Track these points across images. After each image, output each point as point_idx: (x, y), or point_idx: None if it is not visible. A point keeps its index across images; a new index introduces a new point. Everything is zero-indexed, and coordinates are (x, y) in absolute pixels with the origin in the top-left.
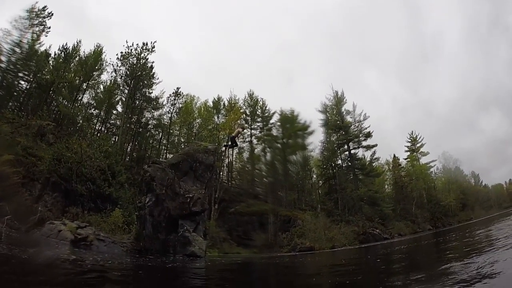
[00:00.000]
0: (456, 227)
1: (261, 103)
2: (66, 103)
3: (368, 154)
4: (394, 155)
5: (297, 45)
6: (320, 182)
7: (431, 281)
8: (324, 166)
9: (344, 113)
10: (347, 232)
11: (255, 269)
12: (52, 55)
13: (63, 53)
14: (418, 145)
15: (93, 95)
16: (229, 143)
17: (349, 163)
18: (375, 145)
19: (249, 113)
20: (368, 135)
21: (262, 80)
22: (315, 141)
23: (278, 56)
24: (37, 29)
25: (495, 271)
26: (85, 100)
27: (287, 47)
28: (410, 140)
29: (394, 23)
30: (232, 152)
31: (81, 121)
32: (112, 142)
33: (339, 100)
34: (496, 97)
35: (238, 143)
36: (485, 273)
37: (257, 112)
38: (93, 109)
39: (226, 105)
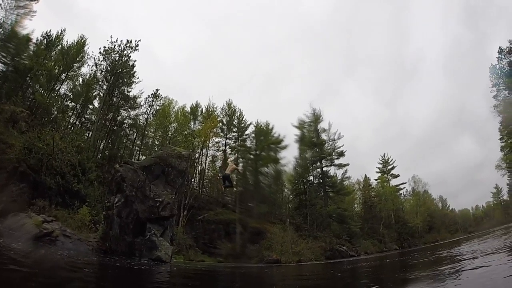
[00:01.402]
0: (422, 248)
1: (238, 113)
2: (42, 91)
3: (339, 173)
4: (365, 175)
5: (280, 53)
6: (291, 196)
7: None
8: (296, 181)
9: (320, 131)
10: (314, 247)
11: (220, 277)
12: (34, 40)
13: (45, 40)
14: (389, 167)
15: (71, 87)
16: (225, 183)
17: (321, 180)
18: (347, 164)
19: (225, 122)
20: (341, 154)
21: (242, 88)
22: (289, 156)
23: (260, 63)
24: (22, 11)
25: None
26: (62, 91)
27: (269, 54)
28: (382, 162)
29: (377, 42)
30: (206, 161)
31: (55, 112)
32: (86, 138)
33: (316, 118)
34: (469, 124)
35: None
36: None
37: (234, 122)
38: (70, 101)
39: (203, 112)
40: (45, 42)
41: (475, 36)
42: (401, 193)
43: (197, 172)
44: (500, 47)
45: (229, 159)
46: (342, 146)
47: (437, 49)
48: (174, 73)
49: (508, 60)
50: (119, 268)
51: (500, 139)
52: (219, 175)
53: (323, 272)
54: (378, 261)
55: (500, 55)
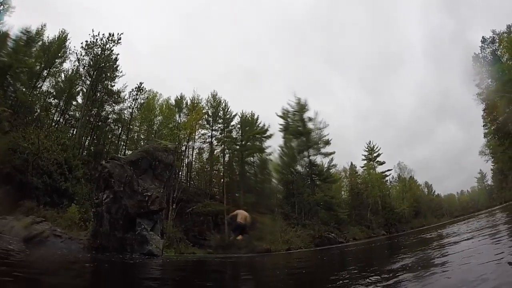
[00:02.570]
0: (409, 233)
1: (223, 104)
2: (24, 89)
3: (326, 161)
4: (352, 163)
5: (262, 45)
6: (279, 186)
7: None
8: (283, 171)
9: (306, 120)
10: (303, 235)
11: (211, 267)
12: (13, 37)
13: (25, 36)
14: (375, 154)
15: (54, 83)
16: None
17: (308, 169)
18: (333, 153)
19: (211, 114)
20: (327, 142)
21: (226, 78)
22: (274, 145)
23: (243, 54)
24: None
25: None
26: (44, 88)
27: (252, 45)
28: (367, 150)
29: (360, 31)
30: (192, 153)
31: (39, 110)
32: (70, 135)
33: (301, 107)
34: (452, 110)
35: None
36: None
37: (219, 114)
38: (53, 98)
39: (188, 104)
40: (24, 38)
41: (457, 23)
42: (387, 180)
43: (184, 164)
44: (483, 36)
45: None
46: (328, 134)
47: (419, 37)
48: (154, 66)
49: (491, 49)
50: (113, 263)
51: (483, 126)
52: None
53: (312, 257)
54: (364, 246)
55: (483, 45)
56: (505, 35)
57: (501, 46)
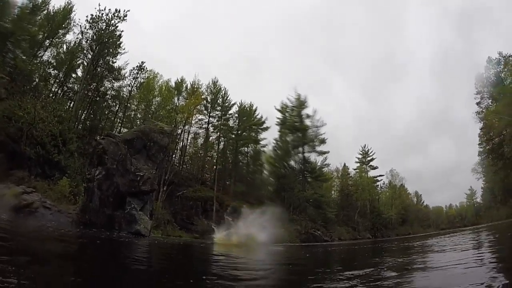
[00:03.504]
0: (394, 239)
1: (223, 92)
2: (24, 57)
3: (320, 159)
4: (344, 164)
5: (266, 37)
6: (271, 178)
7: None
8: (276, 164)
9: (303, 116)
10: (290, 229)
11: (197, 249)
12: (19, 3)
13: (31, 3)
14: (368, 158)
15: (55, 54)
16: None
17: (301, 165)
18: (328, 152)
19: (209, 100)
20: (323, 141)
21: (228, 66)
22: (270, 137)
23: (246, 45)
24: None
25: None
26: (45, 57)
27: (255, 37)
28: (361, 153)
29: (367, 35)
30: (188, 137)
31: (37, 80)
32: (67, 107)
33: (300, 103)
34: (449, 126)
35: None
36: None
37: (218, 101)
38: (52, 69)
39: (188, 88)
40: (30, 6)
41: (466, 42)
42: (378, 185)
43: (179, 148)
44: (489, 56)
45: None
46: (324, 133)
47: (427, 51)
48: (156, 46)
49: (495, 70)
50: (101, 239)
51: (479, 144)
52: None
53: (296, 252)
54: (348, 246)
55: (488, 65)
56: (511, 58)
57: (506, 69)
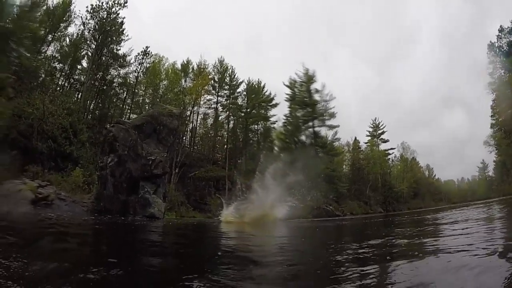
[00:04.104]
0: (406, 212)
1: (230, 71)
2: (28, 55)
3: (330, 134)
4: (355, 138)
5: (272, 12)
6: (281, 155)
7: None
8: (287, 140)
9: (312, 91)
10: (302, 205)
11: (211, 228)
12: (18, 2)
13: (29, 1)
14: (379, 131)
15: (58, 48)
16: None
17: (312, 140)
18: (338, 126)
19: (217, 80)
20: (332, 115)
21: (233, 45)
22: (279, 114)
23: (251, 22)
24: None
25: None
26: (49, 52)
27: (260, 13)
28: (372, 126)
29: (373, 5)
30: (197, 118)
31: (43, 75)
32: (75, 99)
33: (309, 78)
34: (461, 98)
35: None
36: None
37: (225, 80)
38: (57, 62)
39: (194, 69)
40: (29, 3)
41: (477, 10)
42: (389, 158)
43: (189, 129)
44: (501, 25)
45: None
46: (334, 107)
47: (436, 19)
48: (160, 31)
49: (507, 40)
50: (117, 224)
51: (491, 116)
52: None
53: (309, 225)
54: (364, 221)
55: (500, 34)
56: None
57: None
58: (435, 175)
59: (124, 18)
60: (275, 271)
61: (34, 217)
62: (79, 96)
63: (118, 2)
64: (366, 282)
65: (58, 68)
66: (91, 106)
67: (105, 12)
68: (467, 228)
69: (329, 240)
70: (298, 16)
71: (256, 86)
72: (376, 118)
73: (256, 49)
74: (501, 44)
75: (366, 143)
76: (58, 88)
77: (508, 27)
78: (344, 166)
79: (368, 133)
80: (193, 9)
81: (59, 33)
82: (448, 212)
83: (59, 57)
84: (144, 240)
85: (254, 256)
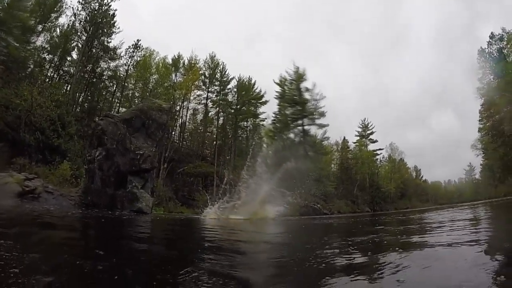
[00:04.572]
0: (393, 212)
1: (221, 66)
2: (17, 44)
3: (319, 132)
4: (344, 137)
5: (264, 8)
6: (270, 152)
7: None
8: (276, 138)
9: (302, 90)
10: (290, 202)
11: (197, 224)
12: None
13: None
14: (368, 132)
15: (48, 38)
16: None
17: (301, 138)
18: (327, 125)
19: (208, 76)
20: (322, 114)
21: (226, 40)
22: (269, 111)
23: (245, 17)
24: None
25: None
26: (38, 43)
27: (253, 9)
28: (361, 126)
29: (368, 4)
30: (187, 114)
31: (32, 66)
32: (64, 91)
33: (299, 76)
34: (452, 99)
35: None
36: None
37: (216, 76)
38: (47, 53)
39: (185, 64)
40: None
41: (470, 13)
42: (377, 158)
43: (178, 125)
44: (492, 32)
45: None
46: (323, 106)
47: (429, 21)
48: (152, 24)
49: (498, 46)
50: (104, 218)
51: (479, 120)
52: None
53: (295, 223)
54: (346, 220)
55: (491, 40)
56: None
57: (509, 45)
58: (422, 176)
59: (115, 10)
60: (261, 260)
61: (21, 210)
62: (68, 88)
63: None
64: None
65: (47, 59)
66: (80, 99)
67: (97, 4)
68: (452, 227)
69: (315, 236)
70: (297, 13)
71: (246, 83)
72: (365, 118)
73: (253, 47)
74: (491, 50)
75: (354, 142)
76: (47, 80)
77: (499, 33)
78: (332, 165)
79: (357, 133)
80: (192, 7)
81: (49, 24)
82: (433, 212)
83: (48, 48)
84: (132, 233)
85: (241, 248)
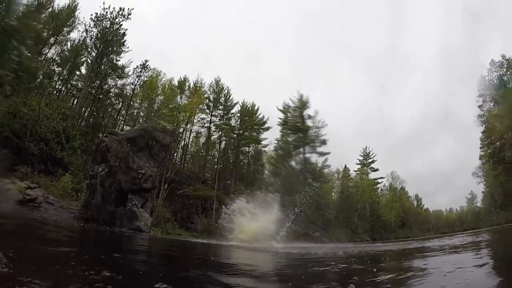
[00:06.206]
0: (393, 242)
1: (225, 91)
2: (29, 54)
3: (320, 160)
4: (345, 166)
5: (269, 28)
6: (271, 178)
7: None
8: (277, 165)
9: (305, 117)
10: (289, 230)
11: (196, 247)
12: (25, 1)
13: (36, 1)
14: (369, 160)
15: (59, 51)
16: None
17: (302, 166)
18: (328, 153)
19: (212, 100)
20: (324, 142)
21: (231, 61)
22: (271, 137)
23: (250, 36)
24: None
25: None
26: (49, 55)
27: (257, 28)
28: (363, 155)
29: (371, 32)
30: (189, 136)
31: (41, 77)
32: (71, 104)
33: (302, 103)
34: (452, 129)
35: None
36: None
37: (220, 100)
38: (56, 66)
39: (191, 87)
40: (35, 3)
41: (473, 41)
42: (378, 187)
43: (180, 147)
44: (492, 59)
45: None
46: (325, 134)
47: (432, 48)
48: (160, 40)
49: (498, 73)
50: (104, 231)
51: (480, 148)
52: None
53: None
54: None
55: (491, 67)
56: None
57: (509, 72)
58: (423, 205)
59: (126, 29)
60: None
61: (21, 216)
62: (75, 102)
63: (121, 13)
64: None
65: (56, 71)
66: (86, 114)
67: (109, 22)
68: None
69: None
70: (302, 36)
71: (250, 108)
72: (367, 147)
73: (254, 66)
74: (491, 78)
75: (356, 171)
76: (55, 92)
77: (499, 60)
78: (332, 193)
79: (358, 161)
80: (195, 18)
81: (61, 37)
82: (435, 241)
83: (59, 61)
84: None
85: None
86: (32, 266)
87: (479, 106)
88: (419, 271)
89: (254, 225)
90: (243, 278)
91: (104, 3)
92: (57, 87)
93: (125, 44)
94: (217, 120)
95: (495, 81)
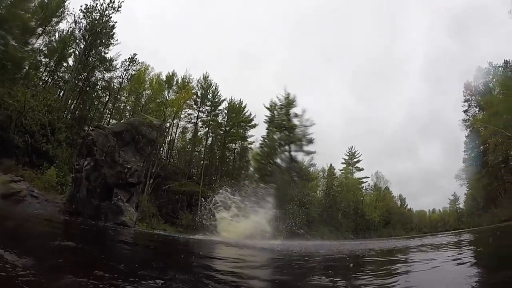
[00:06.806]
0: (376, 240)
1: (214, 87)
2: (15, 44)
3: (306, 159)
4: (331, 165)
5: (261, 31)
6: (256, 175)
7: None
8: (263, 161)
9: (292, 115)
10: (273, 227)
11: (180, 242)
12: None
13: None
14: (355, 160)
15: (47, 42)
16: None
17: (288, 164)
18: (314, 152)
19: (200, 95)
20: (310, 141)
21: (221, 58)
22: (257, 134)
23: (239, 39)
24: None
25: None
26: (37, 45)
27: (250, 30)
28: (348, 154)
29: (360, 35)
30: (176, 131)
31: (27, 67)
32: (57, 96)
33: (289, 102)
34: (438, 130)
35: None
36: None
37: (208, 96)
38: (43, 57)
39: (179, 82)
40: None
41: (460, 49)
42: (363, 186)
43: (167, 141)
44: (479, 66)
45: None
46: (312, 133)
47: (420, 54)
48: (149, 35)
49: (484, 80)
50: (88, 225)
51: (464, 151)
52: None
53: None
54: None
55: (477, 74)
56: (500, 69)
57: (495, 79)
58: (407, 205)
59: (115, 22)
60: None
61: (5, 211)
62: (61, 94)
63: (112, 6)
64: None
65: (43, 62)
66: (72, 106)
67: (98, 14)
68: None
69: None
70: (293, 40)
71: (237, 105)
72: (352, 146)
73: (243, 66)
74: (477, 84)
75: (341, 170)
76: (41, 83)
77: (485, 67)
78: (318, 192)
79: (343, 161)
80: (186, 17)
81: (49, 27)
82: (416, 239)
83: (46, 52)
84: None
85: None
86: None
87: (465, 111)
88: (403, 267)
89: (241, 221)
90: None
91: None
92: (43, 78)
93: (114, 36)
94: (204, 116)
95: (481, 87)
